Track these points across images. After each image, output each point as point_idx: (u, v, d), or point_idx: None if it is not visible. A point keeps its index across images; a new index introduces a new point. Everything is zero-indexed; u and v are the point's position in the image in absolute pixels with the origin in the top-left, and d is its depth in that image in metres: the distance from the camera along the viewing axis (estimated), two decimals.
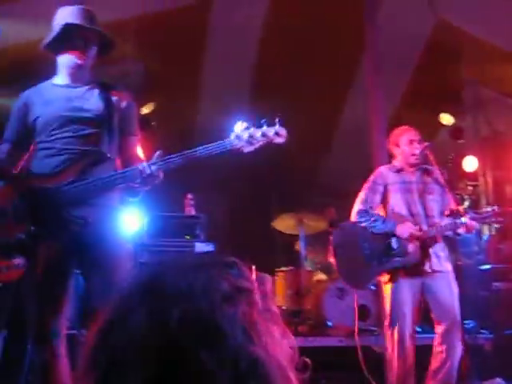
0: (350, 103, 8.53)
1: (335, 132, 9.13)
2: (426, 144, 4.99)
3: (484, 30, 7.34)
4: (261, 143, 3.39)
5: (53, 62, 3.61)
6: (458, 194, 7.91)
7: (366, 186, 5.13)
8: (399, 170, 5.13)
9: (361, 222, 5.01)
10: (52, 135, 3.48)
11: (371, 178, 5.17)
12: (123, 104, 3.64)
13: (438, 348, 4.80)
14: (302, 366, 0.89)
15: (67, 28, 3.48)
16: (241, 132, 3.34)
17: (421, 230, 4.82)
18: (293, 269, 7.74)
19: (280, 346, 0.86)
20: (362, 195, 5.10)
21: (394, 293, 4.89)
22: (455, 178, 8.48)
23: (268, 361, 0.82)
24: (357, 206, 5.08)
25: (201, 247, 6.08)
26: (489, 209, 4.84)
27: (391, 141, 5.23)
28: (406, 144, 5.09)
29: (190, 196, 6.46)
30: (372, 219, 4.97)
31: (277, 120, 3.42)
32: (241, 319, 0.83)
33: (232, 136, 3.36)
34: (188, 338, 0.79)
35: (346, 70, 8.12)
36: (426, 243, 4.84)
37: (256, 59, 8.03)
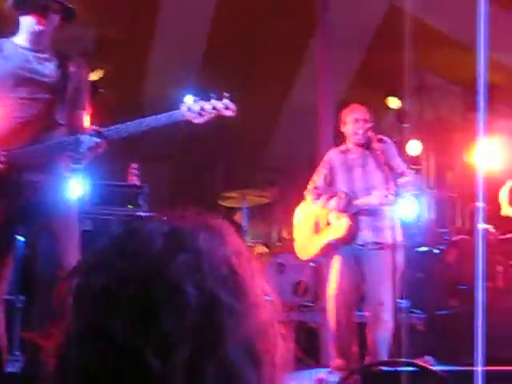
0: (299, 83, 8.58)
1: (284, 111, 9.17)
2: (369, 125, 5.09)
3: (433, 17, 7.46)
4: (211, 115, 3.46)
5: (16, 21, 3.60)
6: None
7: (317, 169, 5.42)
8: (345, 151, 5.29)
9: (309, 200, 5.31)
10: (7, 94, 3.45)
11: (322, 161, 5.41)
12: (78, 77, 3.66)
13: (370, 324, 4.95)
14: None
15: None
16: (192, 104, 3.40)
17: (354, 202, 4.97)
18: None
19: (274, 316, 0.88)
20: (314, 176, 5.39)
21: (332, 267, 5.06)
22: None
23: (264, 326, 0.85)
24: (308, 186, 5.37)
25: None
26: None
27: (341, 119, 5.34)
28: (351, 122, 5.19)
29: (134, 166, 6.43)
30: (314, 197, 5.25)
31: (226, 94, 3.50)
32: (252, 280, 0.86)
33: (183, 107, 3.42)
34: (221, 291, 0.80)
35: (296, 50, 8.15)
36: (361, 215, 4.99)
37: (207, 35, 7.99)
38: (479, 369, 2.45)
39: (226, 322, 0.79)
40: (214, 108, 3.50)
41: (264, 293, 0.88)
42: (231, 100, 3.56)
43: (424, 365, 2.62)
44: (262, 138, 9.56)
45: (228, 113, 3.56)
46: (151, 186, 6.45)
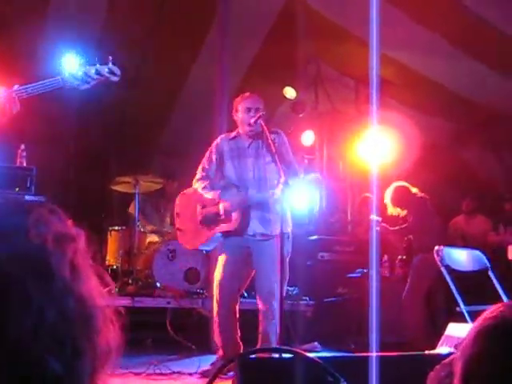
0: (197, 67, 8.52)
1: (180, 95, 9.09)
2: (260, 114, 5.03)
3: (332, 11, 7.58)
4: (95, 81, 3.36)
5: None
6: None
7: (206, 155, 5.31)
8: (235, 137, 5.26)
9: (198, 188, 5.21)
10: None
11: (210, 147, 5.33)
12: None
13: (261, 312, 5.01)
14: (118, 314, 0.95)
15: None
16: (75, 70, 3.29)
17: (245, 196, 4.99)
18: (125, 228, 7.69)
19: (100, 292, 0.91)
20: (201, 164, 5.30)
21: (220, 255, 5.07)
22: (293, 151, 8.75)
23: (92, 302, 0.88)
24: (197, 174, 5.28)
25: (31, 200, 5.89)
26: None
27: (234, 107, 5.28)
28: (243, 111, 5.14)
29: (22, 147, 6.20)
30: (202, 186, 5.18)
31: (110, 58, 3.40)
32: (69, 261, 0.88)
33: (66, 73, 3.29)
34: (17, 269, 0.82)
35: (195, 35, 8.08)
36: (251, 208, 5.02)
37: (108, 12, 7.78)
38: (374, 354, 2.52)
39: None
40: (98, 73, 3.39)
41: (88, 269, 0.91)
42: (114, 64, 3.45)
43: (299, 351, 2.66)
44: (158, 122, 9.45)
45: (114, 78, 3.45)
46: (42, 169, 6.25)
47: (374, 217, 6.44)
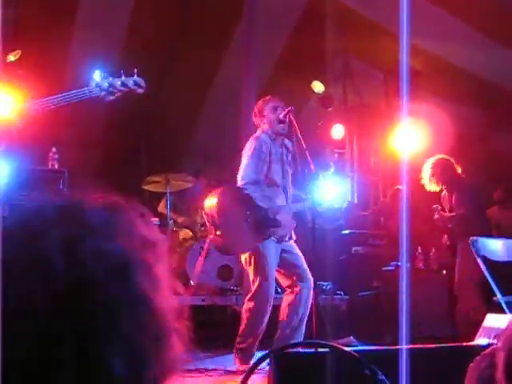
0: (225, 64, 8.53)
1: (209, 92, 9.11)
2: (289, 108, 4.99)
3: (359, 3, 7.54)
4: (121, 93, 3.40)
5: None
6: (324, 160, 8.17)
7: (253, 153, 4.99)
8: (274, 140, 5.12)
9: (247, 190, 4.96)
10: None
11: (255, 145, 5.03)
12: None
13: (284, 306, 5.07)
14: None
15: None
16: (100, 80, 3.33)
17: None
18: (158, 227, 7.72)
19: (174, 306, 0.91)
20: (251, 164, 4.98)
21: (267, 256, 5.01)
22: (323, 145, 8.73)
23: (167, 317, 0.87)
24: (248, 174, 4.99)
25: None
26: None
27: (256, 111, 5.18)
28: (269, 111, 5.08)
29: (53, 150, 6.28)
30: (256, 192, 4.95)
31: (135, 70, 3.43)
32: (150, 269, 0.86)
33: (92, 84, 3.34)
34: (99, 267, 0.81)
35: (222, 33, 8.09)
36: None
37: (131, 16, 7.83)
38: (404, 347, 2.49)
39: (96, 301, 0.81)
40: (124, 85, 3.42)
41: (166, 280, 0.90)
42: (139, 76, 3.48)
43: (336, 345, 2.64)
44: (187, 122, 9.48)
45: (138, 90, 3.49)
46: (73, 172, 6.32)
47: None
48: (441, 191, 6.67)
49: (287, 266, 5.11)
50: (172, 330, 0.87)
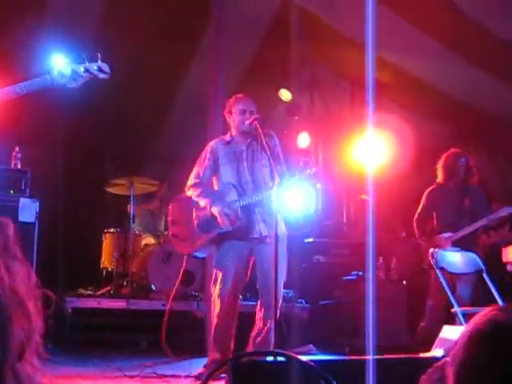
0: (193, 69, 8.51)
1: (175, 96, 9.07)
2: (255, 116, 5.02)
3: (328, 14, 7.58)
4: (84, 79, 3.33)
5: None
6: (289, 168, 8.17)
7: (198, 160, 5.24)
8: (230, 142, 5.22)
9: (189, 193, 5.19)
10: None
11: (203, 152, 5.26)
12: None
13: (258, 315, 4.99)
14: (45, 298, 0.96)
15: None
16: (63, 68, 3.25)
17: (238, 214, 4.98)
18: (121, 231, 7.67)
19: (21, 280, 0.92)
20: (194, 170, 5.23)
21: (220, 255, 5.04)
22: (289, 153, 8.75)
23: (4, 293, 0.88)
24: (190, 180, 5.21)
25: (26, 203, 5.88)
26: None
27: (226, 109, 5.25)
28: (237, 113, 5.14)
29: (16, 149, 6.19)
30: (196, 193, 5.14)
31: (99, 55, 3.36)
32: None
33: (54, 72, 3.26)
34: None
35: (191, 36, 8.07)
36: (254, 210, 5.02)
37: (102, 15, 7.75)
38: (371, 357, 2.50)
39: None
40: (87, 71, 3.34)
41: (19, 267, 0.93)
42: (103, 61, 3.39)
43: (292, 354, 2.64)
44: (153, 125, 9.42)
45: (103, 75, 3.39)
46: (36, 172, 6.24)
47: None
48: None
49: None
50: (14, 319, 0.88)
